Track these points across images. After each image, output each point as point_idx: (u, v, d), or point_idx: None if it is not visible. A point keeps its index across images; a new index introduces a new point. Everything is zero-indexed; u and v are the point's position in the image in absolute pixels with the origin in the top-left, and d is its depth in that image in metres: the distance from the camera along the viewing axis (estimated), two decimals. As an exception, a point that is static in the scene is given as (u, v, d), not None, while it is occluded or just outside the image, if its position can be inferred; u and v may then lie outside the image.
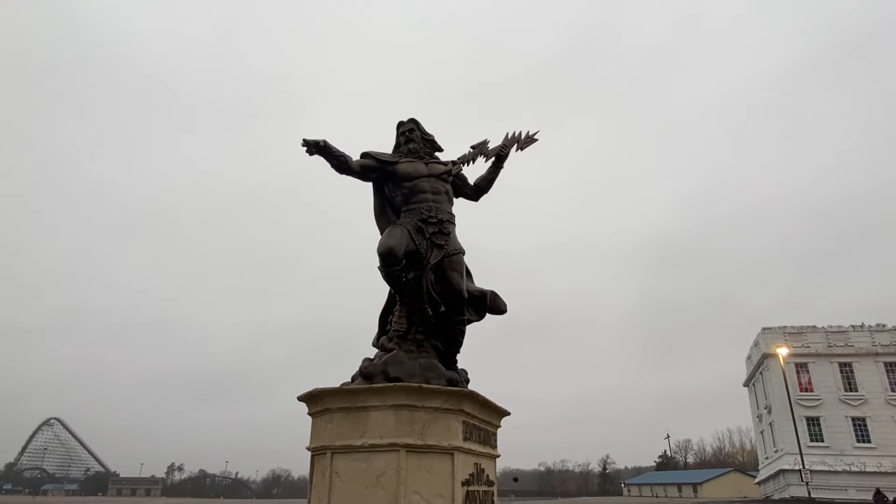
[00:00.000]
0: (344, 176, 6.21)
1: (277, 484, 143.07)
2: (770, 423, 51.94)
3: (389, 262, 5.61)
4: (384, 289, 6.18)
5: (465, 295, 6.00)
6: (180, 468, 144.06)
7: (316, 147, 5.76)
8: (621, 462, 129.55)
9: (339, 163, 6.02)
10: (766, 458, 55.21)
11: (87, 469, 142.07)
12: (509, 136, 6.65)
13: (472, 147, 6.73)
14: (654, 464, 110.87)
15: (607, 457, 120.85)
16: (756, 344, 54.50)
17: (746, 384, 62.16)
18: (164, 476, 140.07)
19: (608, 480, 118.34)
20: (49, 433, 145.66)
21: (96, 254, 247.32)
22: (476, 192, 6.84)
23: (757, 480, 60.52)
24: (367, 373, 5.30)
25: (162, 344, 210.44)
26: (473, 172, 6.80)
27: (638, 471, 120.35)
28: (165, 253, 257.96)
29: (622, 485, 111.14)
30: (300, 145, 5.68)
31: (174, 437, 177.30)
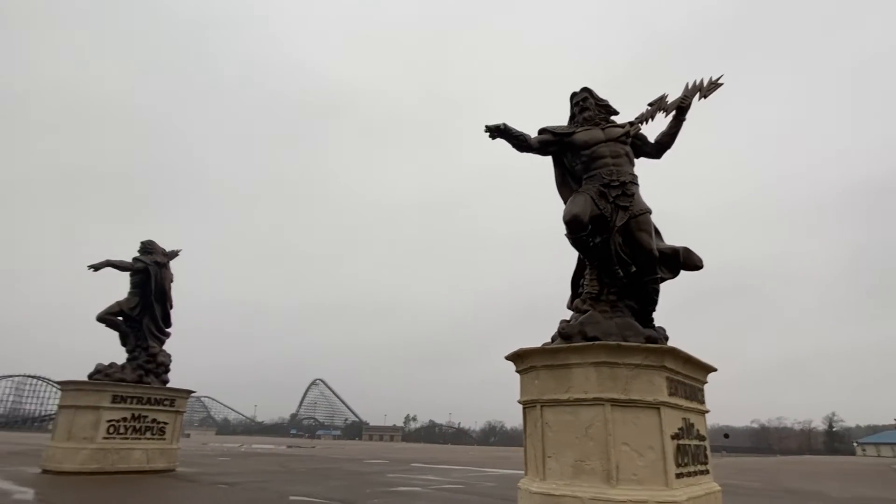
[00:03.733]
0: (525, 154, 6.22)
1: (493, 433, 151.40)
2: None
3: (575, 229, 5.50)
4: (574, 255, 6.09)
5: (656, 254, 5.64)
6: (414, 419, 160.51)
7: (497, 130, 5.85)
8: (851, 420, 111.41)
9: (519, 142, 6.04)
10: None
11: (346, 419, 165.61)
12: (689, 86, 6.00)
13: (649, 104, 6.23)
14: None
15: (833, 414, 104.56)
16: None
17: None
18: (402, 425, 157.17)
19: (836, 439, 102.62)
20: (316, 391, 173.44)
21: (343, 252, 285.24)
22: (658, 149, 6.33)
23: None
24: (565, 333, 5.30)
25: (396, 319, 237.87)
26: (655, 130, 6.29)
27: (873, 429, 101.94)
28: (392, 249, 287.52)
29: (854, 444, 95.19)
30: (483, 131, 5.82)
31: (408, 394, 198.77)
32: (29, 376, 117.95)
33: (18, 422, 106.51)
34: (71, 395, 12.46)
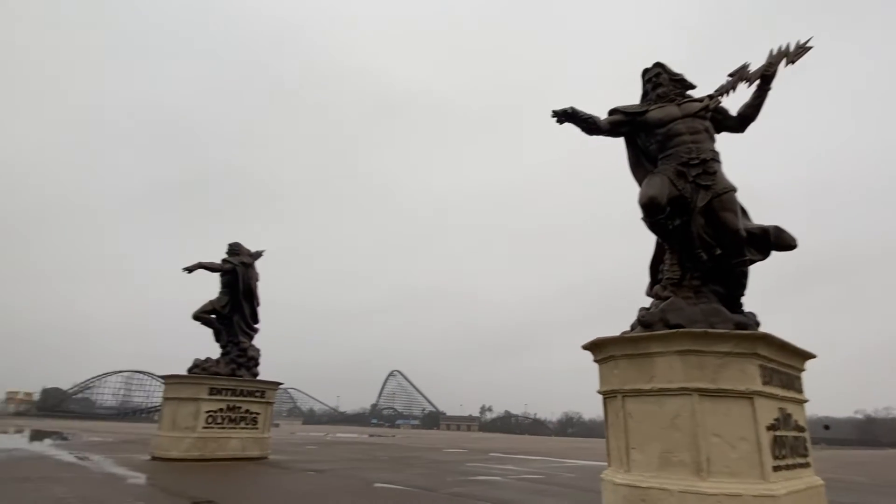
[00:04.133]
0: (595, 137, 6.02)
1: (571, 424, 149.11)
2: None
3: (652, 212, 5.26)
4: (652, 239, 5.84)
5: (743, 234, 5.29)
6: (490, 409, 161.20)
7: (564, 115, 5.69)
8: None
9: (588, 125, 5.84)
10: None
11: (423, 409, 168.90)
12: (774, 53, 5.54)
13: (729, 75, 5.82)
14: None
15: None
16: None
17: None
18: (478, 415, 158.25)
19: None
20: (394, 382, 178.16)
21: (418, 246, 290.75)
22: (741, 122, 5.91)
23: None
24: (645, 321, 5.11)
25: (471, 311, 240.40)
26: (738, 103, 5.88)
27: None
28: (466, 242, 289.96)
29: None
30: (550, 116, 5.68)
31: (484, 384, 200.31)
32: (136, 371, 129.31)
33: (129, 413, 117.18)
34: (173, 387, 13.54)
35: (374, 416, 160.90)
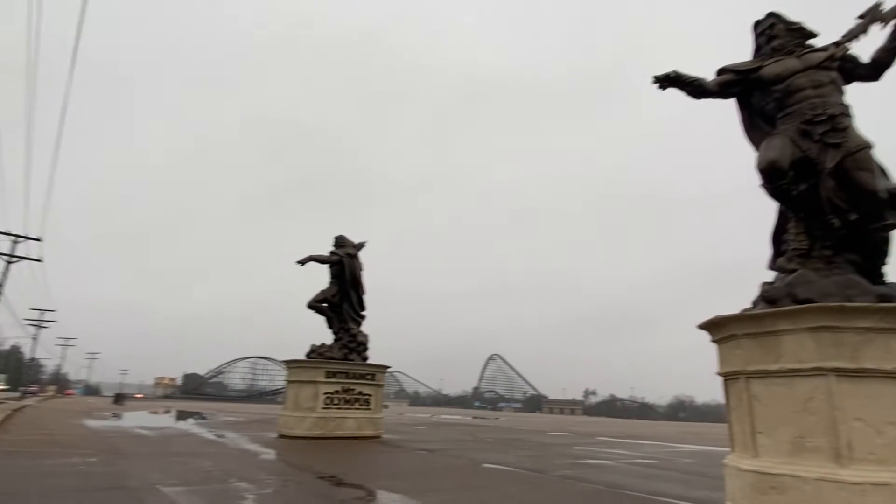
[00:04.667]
0: (702, 101, 5.61)
1: (682, 408, 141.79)
2: None
3: (773, 177, 4.82)
4: (772, 208, 5.35)
5: (882, 195, 4.68)
6: (594, 392, 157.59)
7: (667, 80, 5.35)
8: None
9: (694, 88, 5.45)
10: None
11: (525, 392, 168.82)
12: None
13: (859, 17, 5.14)
14: None
15: None
16: None
17: None
18: (581, 399, 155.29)
19: None
20: (494, 366, 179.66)
21: (517, 230, 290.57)
22: (875, 69, 5.19)
23: None
24: (769, 296, 4.71)
25: (573, 292, 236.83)
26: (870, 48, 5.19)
27: None
28: (565, 222, 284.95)
29: None
30: (651, 83, 5.37)
31: (587, 368, 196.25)
32: (260, 357, 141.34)
33: (255, 395, 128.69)
34: (294, 371, 14.66)
35: (477, 399, 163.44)
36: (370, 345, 15.83)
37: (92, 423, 17.40)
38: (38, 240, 26.10)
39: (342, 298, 15.84)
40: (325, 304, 15.78)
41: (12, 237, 25.21)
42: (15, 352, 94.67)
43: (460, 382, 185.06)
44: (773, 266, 5.32)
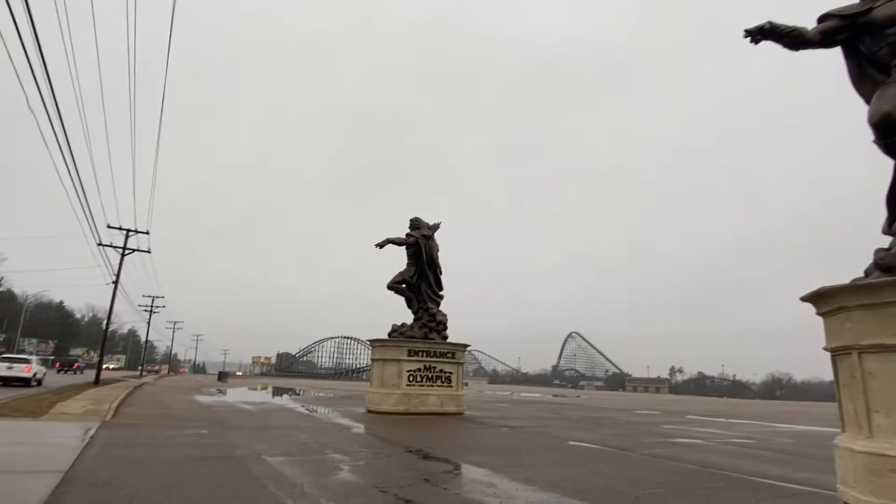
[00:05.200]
0: (801, 52, 5.11)
1: (779, 386, 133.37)
2: None
3: (888, 131, 4.33)
4: (887, 166, 4.81)
5: None
6: (680, 370, 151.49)
7: (761, 32, 4.92)
8: None
9: (792, 38, 4.98)
10: None
11: (606, 370, 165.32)
12: None
13: None
14: None
15: None
16: None
17: None
18: (667, 377, 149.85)
19: None
20: (573, 344, 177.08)
21: (594, 207, 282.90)
22: None
23: None
24: (885, 264, 4.27)
25: (655, 268, 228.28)
26: None
27: None
28: (647, 196, 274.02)
29: None
30: (743, 38, 4.96)
31: (672, 345, 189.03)
32: (345, 337, 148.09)
33: (342, 373, 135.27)
34: (378, 350, 15.22)
35: (556, 378, 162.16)
36: (449, 324, 16.10)
37: (200, 398, 19.05)
38: (146, 233, 28.60)
39: (420, 279, 16.16)
40: (403, 285, 16.17)
41: (124, 231, 27.76)
42: (132, 335, 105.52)
43: (538, 361, 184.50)
44: (888, 230, 4.80)
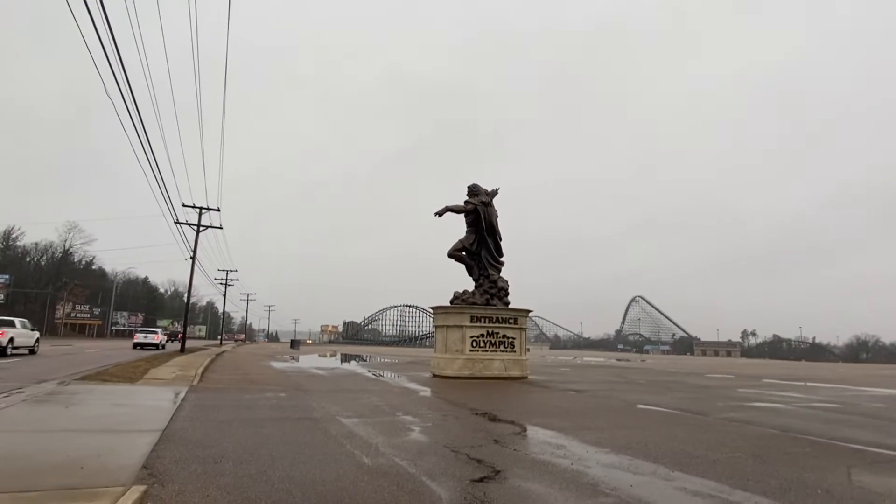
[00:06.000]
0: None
1: (865, 349, 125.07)
2: None
3: None
4: None
5: None
6: (753, 333, 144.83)
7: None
8: None
9: None
10: None
11: (673, 334, 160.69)
12: None
13: None
14: None
15: None
16: None
17: None
18: (739, 340, 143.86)
19: None
20: (637, 308, 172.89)
21: (658, 164, 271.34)
22: None
23: None
24: None
25: (726, 228, 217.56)
26: None
27: None
28: (718, 153, 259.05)
29: None
30: None
31: (744, 307, 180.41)
32: (407, 306, 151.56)
33: (405, 340, 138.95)
34: (441, 317, 15.43)
35: (620, 342, 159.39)
36: (510, 290, 16.04)
37: (276, 364, 20.13)
38: (217, 210, 30.05)
39: (480, 246, 16.12)
40: (463, 253, 16.20)
41: (198, 209, 29.29)
42: (210, 306, 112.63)
43: (601, 326, 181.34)
44: None
